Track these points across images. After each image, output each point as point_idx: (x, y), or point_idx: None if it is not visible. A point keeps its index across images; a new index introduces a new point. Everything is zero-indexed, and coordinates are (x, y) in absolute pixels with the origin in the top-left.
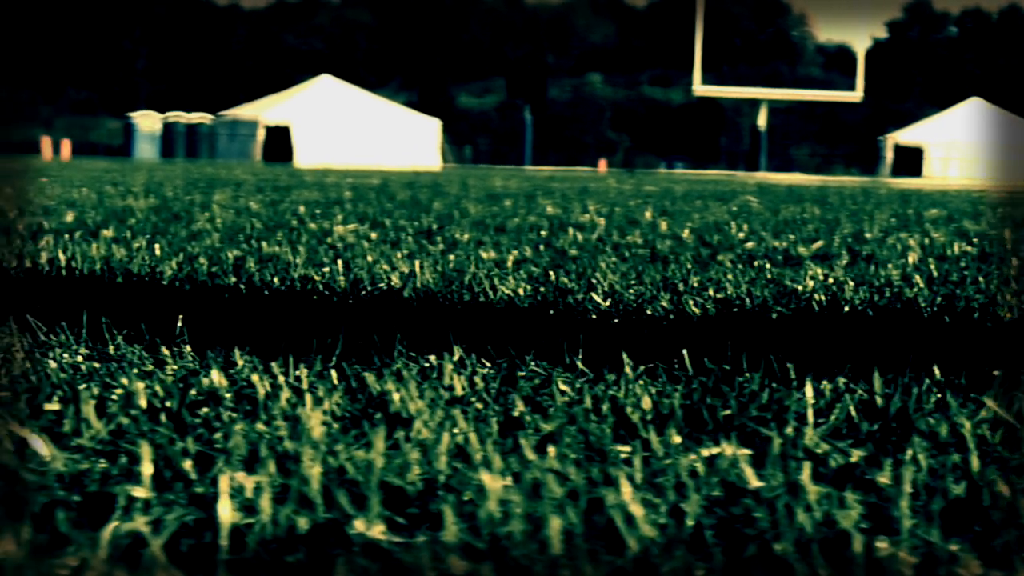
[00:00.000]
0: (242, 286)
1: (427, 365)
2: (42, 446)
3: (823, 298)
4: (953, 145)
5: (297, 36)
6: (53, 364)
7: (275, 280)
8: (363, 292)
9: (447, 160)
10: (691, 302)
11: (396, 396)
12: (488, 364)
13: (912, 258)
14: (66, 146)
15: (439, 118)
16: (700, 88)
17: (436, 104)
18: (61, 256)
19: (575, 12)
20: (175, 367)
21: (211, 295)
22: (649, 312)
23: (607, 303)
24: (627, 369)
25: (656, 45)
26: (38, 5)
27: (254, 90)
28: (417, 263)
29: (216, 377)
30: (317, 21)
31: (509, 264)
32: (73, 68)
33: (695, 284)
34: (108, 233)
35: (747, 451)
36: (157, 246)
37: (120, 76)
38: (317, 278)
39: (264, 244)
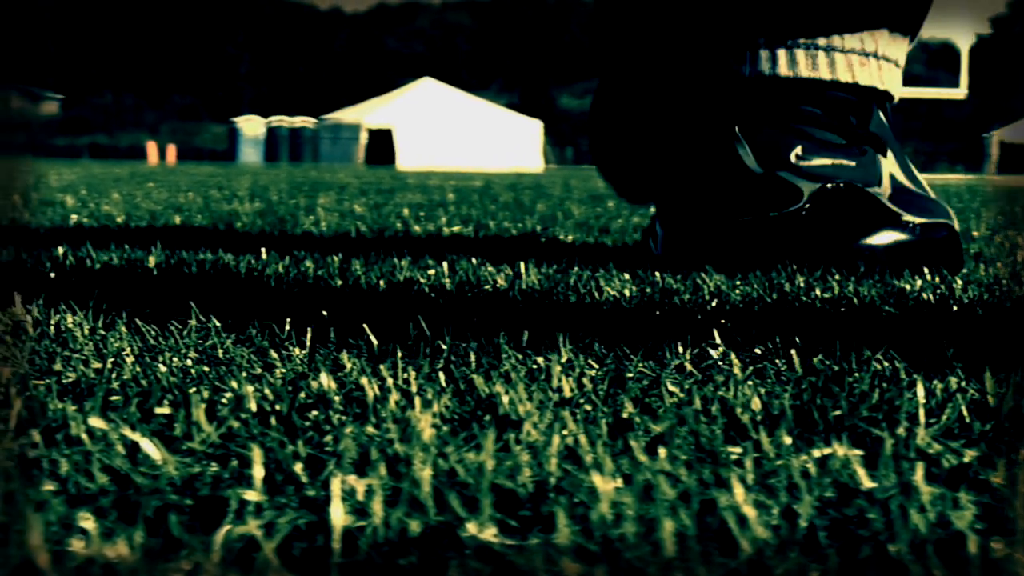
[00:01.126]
0: (348, 288)
1: (535, 367)
2: (154, 450)
3: (932, 297)
4: None
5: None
6: (163, 368)
7: (381, 283)
8: (469, 294)
9: (549, 161)
10: (796, 303)
11: (505, 398)
12: (596, 365)
13: (1021, 256)
14: (171, 151)
15: (540, 119)
16: None
17: (537, 105)
18: (172, 261)
19: None
20: (284, 370)
21: (318, 297)
22: (757, 310)
23: (714, 303)
24: (736, 369)
25: None
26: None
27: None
28: (522, 264)
29: (325, 380)
30: (418, 24)
31: (618, 263)
32: (178, 74)
33: (801, 284)
34: (217, 236)
35: (859, 452)
36: (263, 249)
37: (224, 81)
38: (423, 280)
39: (369, 247)
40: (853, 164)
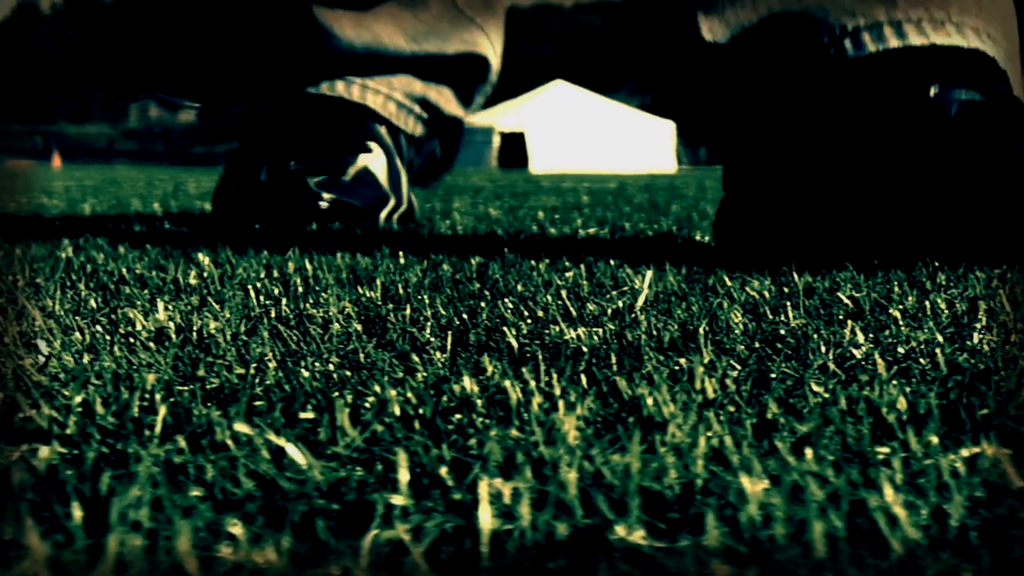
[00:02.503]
0: (486, 292)
1: (677, 368)
2: (299, 455)
3: None
4: None
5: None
6: (306, 373)
7: (519, 287)
8: (608, 296)
9: (682, 162)
10: (939, 300)
11: (649, 400)
12: (738, 366)
13: None
14: None
15: (672, 120)
16: None
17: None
18: (308, 265)
19: None
20: (425, 374)
21: (457, 301)
22: (900, 309)
23: (852, 303)
24: (880, 369)
25: None
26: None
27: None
28: (660, 265)
29: (468, 384)
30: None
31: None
32: None
33: (942, 281)
34: (351, 242)
35: (1008, 451)
36: (401, 254)
37: None
38: (560, 282)
39: (506, 250)
40: None
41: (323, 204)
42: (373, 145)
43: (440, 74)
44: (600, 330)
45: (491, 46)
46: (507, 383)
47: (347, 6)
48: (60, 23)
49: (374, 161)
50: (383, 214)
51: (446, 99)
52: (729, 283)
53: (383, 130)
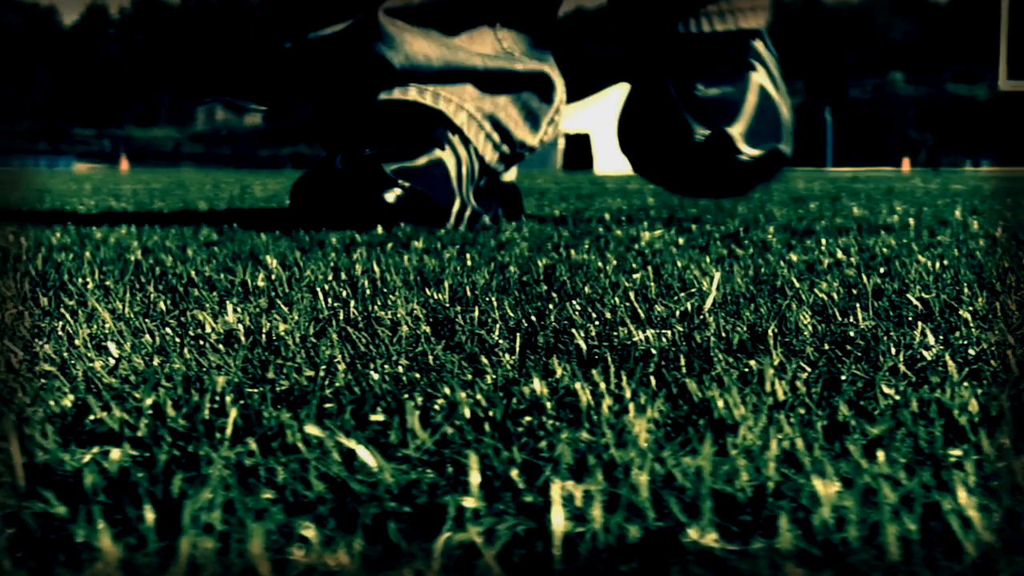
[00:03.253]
0: (554, 294)
1: (746, 370)
2: (370, 457)
3: None
4: None
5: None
6: (375, 375)
7: (586, 288)
8: (675, 298)
9: None
10: (1009, 301)
11: (719, 402)
12: (808, 368)
13: None
14: None
15: None
16: (1006, 83)
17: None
18: (376, 268)
19: (875, 10)
20: (494, 376)
21: (524, 303)
22: (971, 311)
23: (921, 308)
24: (951, 371)
25: (959, 40)
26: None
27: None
28: (716, 270)
29: (538, 385)
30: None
31: (825, 265)
32: None
33: (1012, 282)
34: (419, 244)
35: None
36: (468, 256)
37: None
38: (628, 284)
39: (572, 252)
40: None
41: (396, 192)
42: (447, 148)
43: (509, 90)
44: (668, 332)
45: (558, 74)
46: (577, 385)
47: (426, 25)
48: (128, 27)
49: (446, 157)
50: (454, 208)
51: (515, 123)
52: (797, 284)
53: (455, 138)
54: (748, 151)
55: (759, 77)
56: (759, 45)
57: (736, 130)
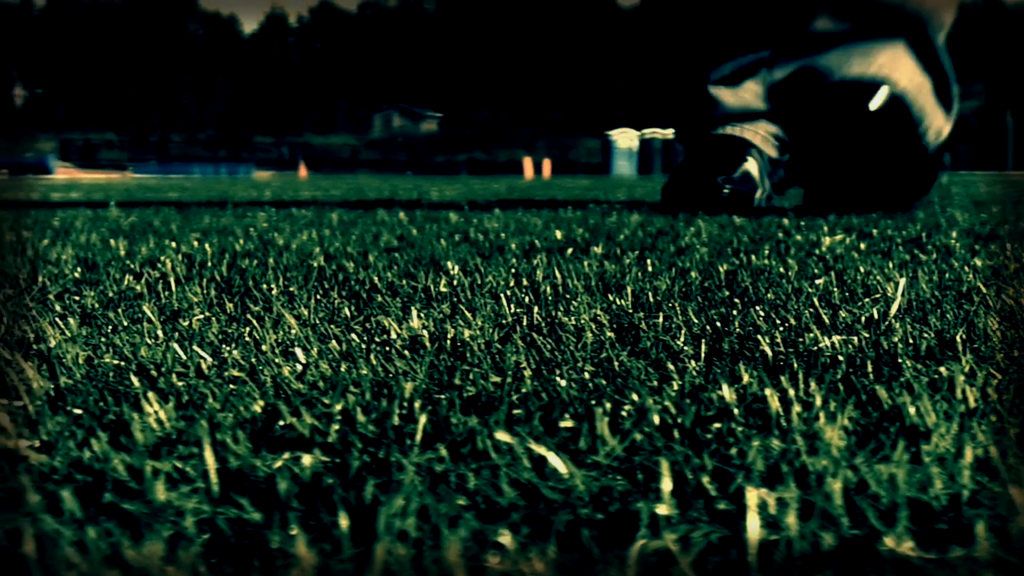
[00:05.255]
0: (737, 300)
1: (936, 376)
2: (560, 464)
3: None
4: None
5: None
6: (562, 381)
7: (769, 294)
8: (859, 303)
9: None
10: None
11: (911, 409)
12: (998, 375)
13: None
14: (547, 165)
15: None
16: None
17: None
18: (558, 274)
19: None
20: (681, 382)
21: (707, 308)
22: None
23: None
24: None
25: None
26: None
27: None
28: (910, 272)
29: (726, 392)
30: None
31: (1011, 270)
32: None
33: None
34: (598, 250)
35: None
36: (648, 261)
37: (597, 95)
38: (811, 290)
39: (753, 257)
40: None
41: (725, 191)
42: (751, 159)
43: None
44: (855, 338)
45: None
46: (766, 392)
47: (726, 84)
48: (306, 35)
49: (752, 167)
50: (757, 195)
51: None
52: (984, 290)
53: (756, 153)
54: None
55: None
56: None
57: None
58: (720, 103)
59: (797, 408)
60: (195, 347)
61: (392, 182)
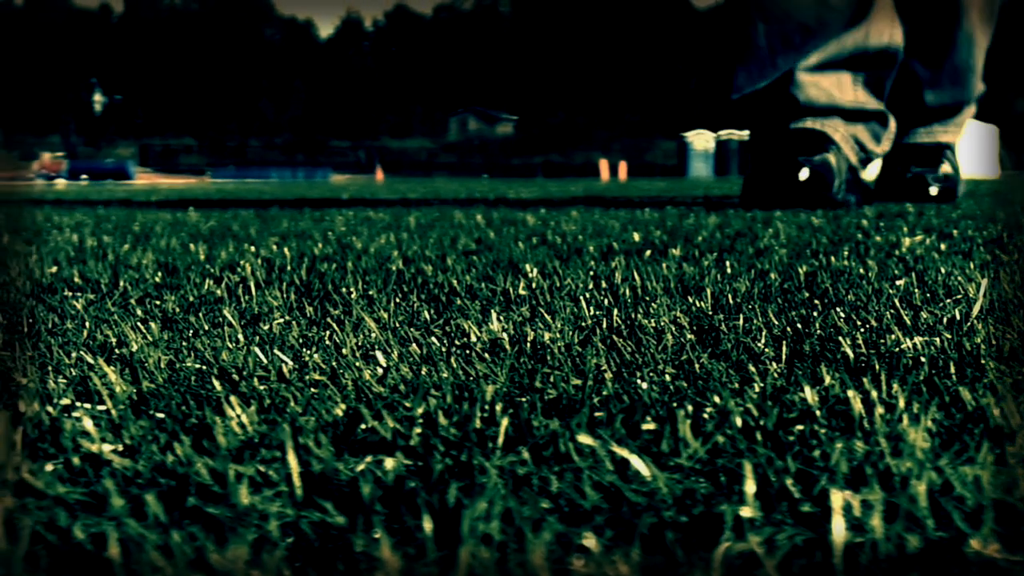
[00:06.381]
0: (817, 301)
1: (1019, 378)
2: (643, 466)
3: None
4: None
5: None
6: (643, 384)
7: (850, 295)
8: (941, 304)
9: (1005, 167)
10: None
11: (995, 410)
12: None
13: None
14: (623, 168)
15: (996, 125)
16: None
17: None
18: (636, 276)
19: None
20: (762, 384)
21: (787, 310)
22: None
23: None
24: None
25: None
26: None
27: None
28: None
29: (808, 394)
30: None
31: None
32: (629, 93)
33: None
34: (676, 251)
35: None
36: (727, 263)
37: (673, 97)
38: (892, 291)
39: (832, 258)
40: None
41: (805, 173)
42: (831, 152)
43: (863, 120)
44: (937, 339)
45: (889, 112)
46: (849, 393)
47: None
48: (382, 39)
49: (832, 159)
50: (835, 184)
51: (867, 140)
52: None
53: (834, 149)
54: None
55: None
56: (949, 153)
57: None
58: (803, 97)
59: (880, 410)
60: (276, 351)
61: (468, 185)
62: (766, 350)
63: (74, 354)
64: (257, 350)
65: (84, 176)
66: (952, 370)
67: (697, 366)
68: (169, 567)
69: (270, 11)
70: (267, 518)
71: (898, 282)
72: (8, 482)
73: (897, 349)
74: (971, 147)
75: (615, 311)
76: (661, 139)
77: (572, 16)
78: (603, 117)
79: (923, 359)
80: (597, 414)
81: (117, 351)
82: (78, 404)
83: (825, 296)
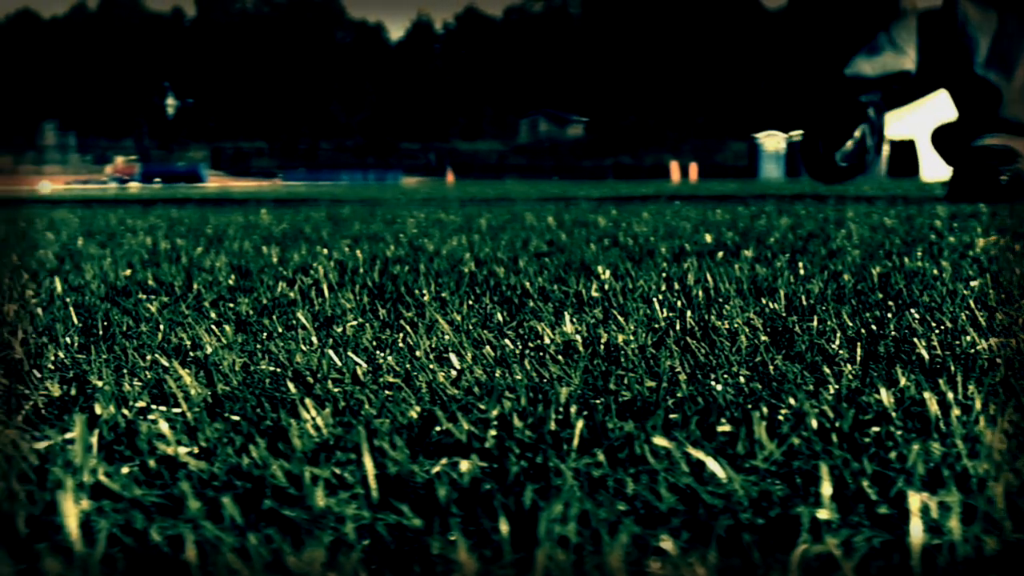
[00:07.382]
0: (891, 302)
1: None
2: (719, 468)
3: None
4: None
5: None
6: (718, 385)
7: (923, 296)
8: (1016, 305)
9: None
10: None
11: None
12: None
13: None
14: (693, 169)
15: None
16: None
17: None
18: (709, 278)
19: None
20: (837, 386)
21: (861, 311)
22: None
23: None
24: None
25: None
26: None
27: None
28: None
29: (884, 395)
30: None
31: None
32: (699, 94)
33: None
34: (748, 253)
35: None
36: (800, 264)
37: (743, 98)
38: (966, 292)
39: (906, 259)
40: None
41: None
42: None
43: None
44: (1013, 340)
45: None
46: (925, 395)
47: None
48: (452, 42)
49: (867, 133)
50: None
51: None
52: None
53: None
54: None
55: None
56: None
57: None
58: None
59: (956, 411)
60: (350, 353)
61: (539, 187)
62: (840, 351)
63: (149, 357)
64: (331, 352)
65: (157, 179)
66: None
67: (772, 368)
68: (246, 570)
69: (341, 14)
70: (343, 520)
71: (972, 283)
72: (85, 485)
73: (973, 350)
74: None
75: (688, 313)
76: (731, 140)
77: (642, 17)
78: (673, 119)
79: (999, 360)
80: (672, 416)
81: (192, 354)
82: (154, 407)
83: (899, 297)
